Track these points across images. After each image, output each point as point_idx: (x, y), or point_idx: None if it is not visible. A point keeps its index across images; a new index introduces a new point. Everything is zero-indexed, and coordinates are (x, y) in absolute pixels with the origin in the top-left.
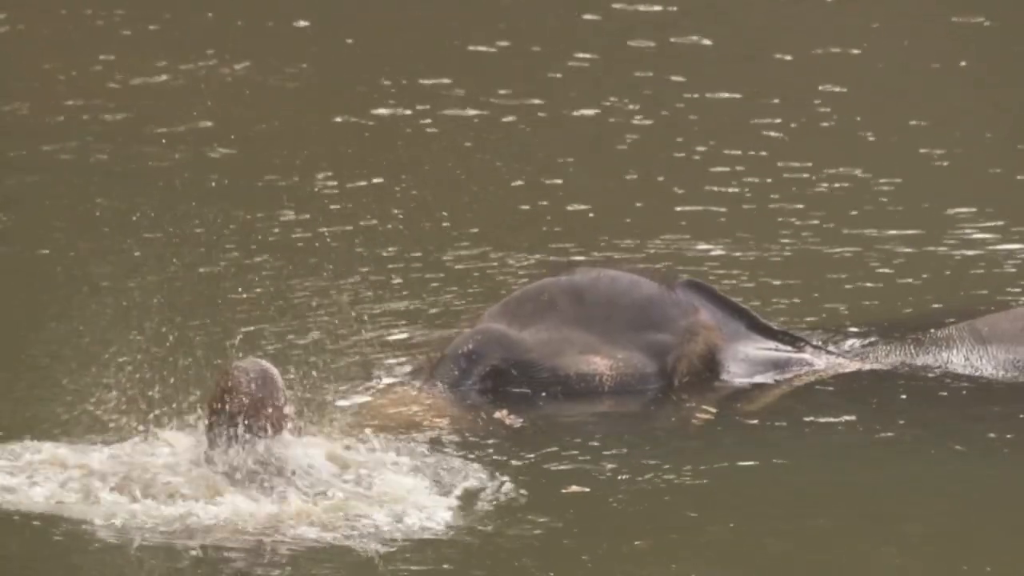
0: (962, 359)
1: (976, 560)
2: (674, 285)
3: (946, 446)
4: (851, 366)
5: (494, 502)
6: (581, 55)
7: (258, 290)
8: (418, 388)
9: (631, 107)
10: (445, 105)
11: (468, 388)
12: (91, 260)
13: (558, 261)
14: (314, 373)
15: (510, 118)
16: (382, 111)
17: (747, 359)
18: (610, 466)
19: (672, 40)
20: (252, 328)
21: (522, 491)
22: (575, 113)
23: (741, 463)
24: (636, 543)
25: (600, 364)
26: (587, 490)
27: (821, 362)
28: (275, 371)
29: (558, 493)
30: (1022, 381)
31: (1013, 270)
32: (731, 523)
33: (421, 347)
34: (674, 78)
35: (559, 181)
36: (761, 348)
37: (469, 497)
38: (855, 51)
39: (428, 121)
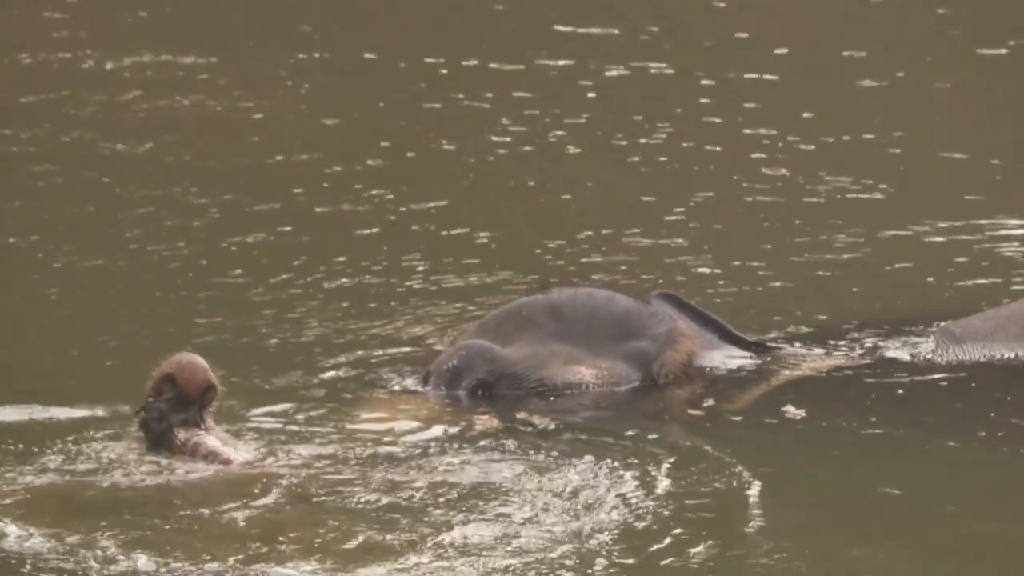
0: (940, 359)
1: (971, 557)
2: (648, 298)
3: (936, 443)
4: (827, 369)
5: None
6: (589, 68)
7: (255, 299)
8: (410, 398)
9: (636, 119)
10: (450, 115)
11: (459, 398)
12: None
13: (544, 279)
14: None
15: (516, 127)
16: (392, 121)
17: (724, 366)
18: (615, 463)
19: (673, 51)
20: (247, 337)
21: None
22: (580, 127)
23: (733, 461)
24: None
25: (586, 374)
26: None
27: (796, 367)
28: (187, 355)
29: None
30: (1000, 378)
31: (994, 275)
32: (730, 522)
33: (414, 360)
34: (680, 88)
35: (559, 190)
36: (735, 356)
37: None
38: (855, 57)
39: (433, 134)
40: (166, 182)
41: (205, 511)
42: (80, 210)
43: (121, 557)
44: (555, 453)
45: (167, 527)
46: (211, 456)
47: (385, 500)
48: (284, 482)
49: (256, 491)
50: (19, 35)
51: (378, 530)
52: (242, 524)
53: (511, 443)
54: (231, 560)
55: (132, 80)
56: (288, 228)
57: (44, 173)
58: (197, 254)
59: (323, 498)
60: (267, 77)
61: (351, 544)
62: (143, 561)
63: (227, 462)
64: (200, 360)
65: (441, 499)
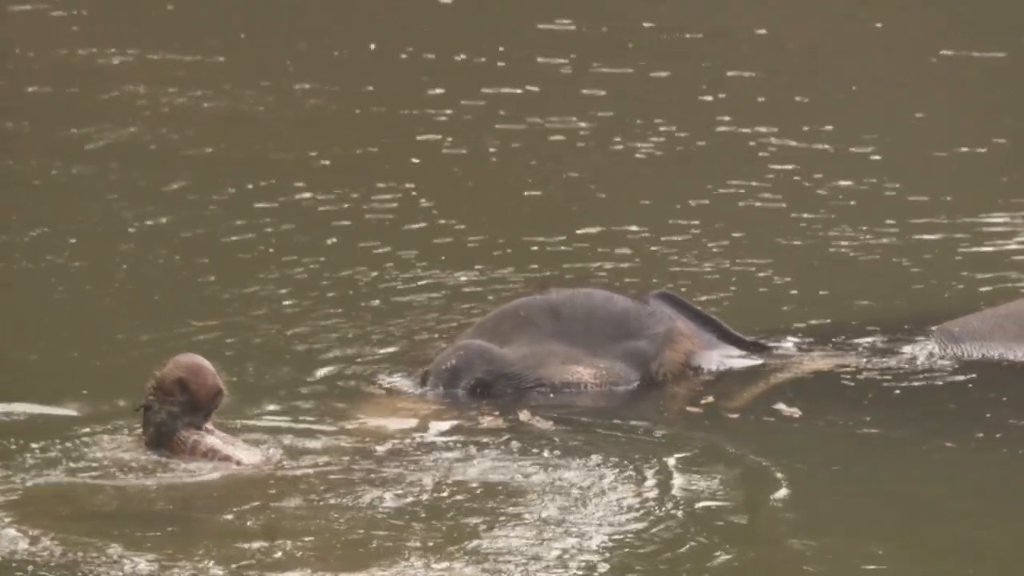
0: (938, 359)
1: (971, 557)
2: (646, 298)
3: (936, 443)
4: (826, 369)
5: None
6: (588, 68)
7: (254, 298)
8: (408, 398)
9: (639, 124)
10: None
11: (458, 398)
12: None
13: (541, 279)
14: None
15: (516, 127)
16: (394, 125)
17: (722, 366)
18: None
19: (679, 57)
20: (246, 337)
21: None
22: (580, 127)
23: (731, 460)
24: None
25: (584, 374)
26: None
27: (795, 366)
28: (196, 358)
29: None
30: (998, 378)
31: (992, 275)
32: (731, 520)
33: (413, 359)
34: (684, 94)
35: (559, 190)
36: (734, 356)
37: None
38: (854, 59)
39: (440, 136)
40: (166, 181)
41: (205, 510)
42: (80, 210)
43: (121, 557)
44: (557, 452)
45: (167, 527)
46: (211, 454)
47: (386, 500)
48: (283, 481)
49: (256, 490)
50: (21, 33)
51: (380, 530)
52: (242, 523)
53: (514, 443)
54: (231, 560)
55: (134, 79)
56: (288, 227)
57: (44, 172)
58: (196, 253)
59: (323, 497)
60: (267, 76)
61: (352, 544)
62: (143, 562)
63: (227, 460)
64: (208, 364)
65: (444, 499)
